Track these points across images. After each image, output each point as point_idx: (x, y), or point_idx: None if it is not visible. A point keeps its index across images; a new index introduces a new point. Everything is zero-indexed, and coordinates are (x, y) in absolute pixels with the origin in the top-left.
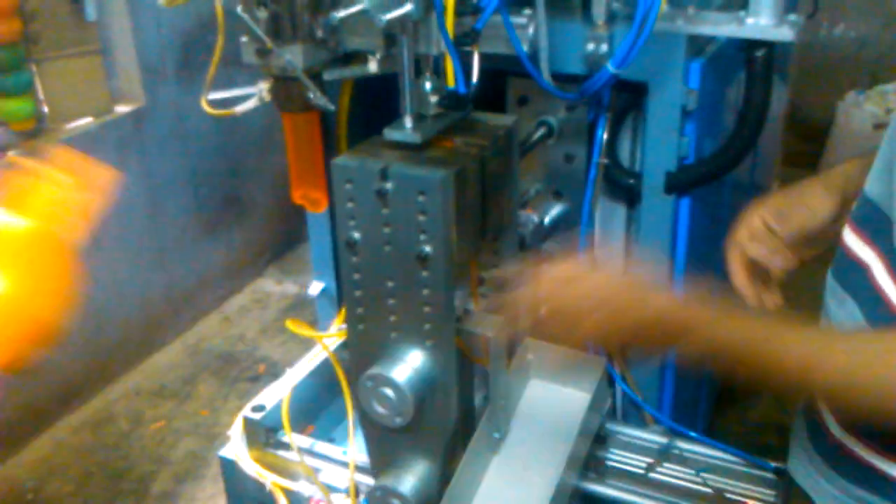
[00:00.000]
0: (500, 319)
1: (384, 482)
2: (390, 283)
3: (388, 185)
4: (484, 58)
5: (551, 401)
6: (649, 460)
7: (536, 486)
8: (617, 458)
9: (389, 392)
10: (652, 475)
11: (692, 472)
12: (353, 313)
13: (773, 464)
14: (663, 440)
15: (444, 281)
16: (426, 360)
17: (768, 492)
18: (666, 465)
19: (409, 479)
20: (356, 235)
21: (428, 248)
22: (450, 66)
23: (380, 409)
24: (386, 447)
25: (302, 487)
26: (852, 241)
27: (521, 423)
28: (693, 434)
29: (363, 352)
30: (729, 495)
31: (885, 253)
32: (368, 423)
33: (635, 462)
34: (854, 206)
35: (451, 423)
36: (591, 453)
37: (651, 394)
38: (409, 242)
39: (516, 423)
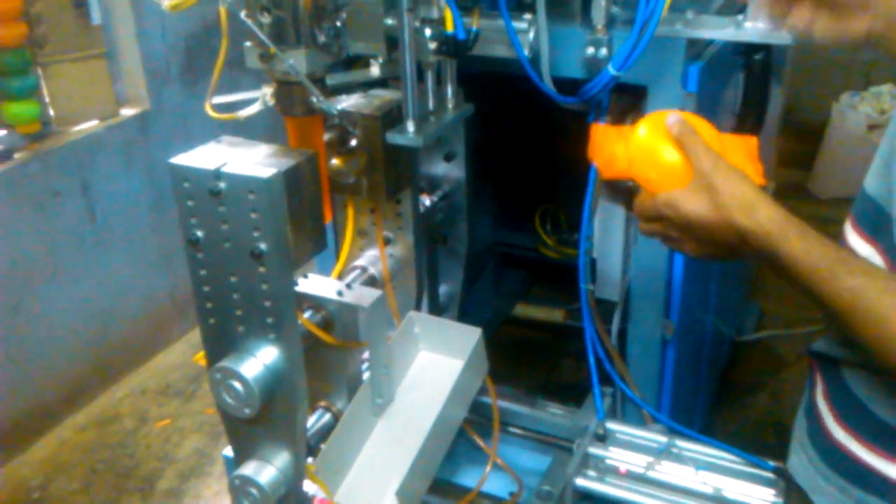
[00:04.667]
0: (377, 293)
1: (243, 472)
2: (233, 279)
3: (222, 185)
4: (485, 61)
5: (435, 369)
6: (649, 459)
7: (409, 445)
8: (616, 457)
9: (237, 384)
10: (651, 474)
11: (691, 471)
12: (202, 308)
13: (772, 463)
14: (662, 439)
15: (281, 276)
16: (272, 352)
17: (767, 491)
18: (665, 463)
19: (268, 470)
20: (199, 233)
21: (263, 245)
22: (448, 12)
23: (229, 401)
24: (244, 437)
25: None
26: (853, 238)
27: (408, 390)
28: (692, 433)
29: (215, 345)
30: (727, 494)
31: (885, 249)
32: (224, 414)
33: (635, 461)
34: (854, 203)
35: (298, 414)
36: (590, 452)
37: (650, 393)
38: (245, 240)
39: (405, 390)
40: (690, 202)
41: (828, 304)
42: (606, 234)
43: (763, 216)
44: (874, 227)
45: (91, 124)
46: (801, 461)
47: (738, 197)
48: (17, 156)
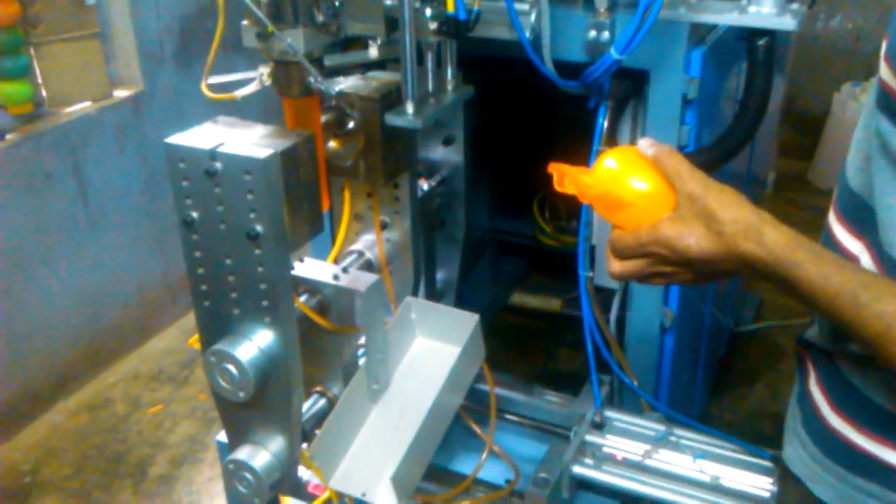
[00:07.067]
0: (373, 277)
1: (237, 456)
2: (228, 261)
3: (218, 165)
4: (486, 44)
5: (431, 355)
6: (646, 447)
7: (404, 431)
8: (613, 444)
9: (231, 367)
10: (648, 462)
11: (689, 459)
12: (197, 290)
13: (770, 452)
14: (660, 427)
15: (277, 258)
16: (267, 335)
17: (765, 479)
18: (662, 451)
19: (262, 454)
20: (194, 214)
21: (259, 227)
22: None
23: (223, 384)
24: (239, 422)
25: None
26: (840, 233)
27: (404, 376)
28: (690, 421)
29: (210, 328)
30: (725, 483)
31: (871, 244)
32: (219, 398)
33: (632, 449)
34: (836, 196)
35: (293, 399)
36: (587, 440)
37: (648, 381)
38: (240, 221)
39: (401, 376)
40: (686, 235)
41: (855, 330)
42: (606, 221)
43: (771, 241)
44: (860, 222)
45: (84, 105)
46: (797, 450)
47: (741, 223)
48: (8, 137)
